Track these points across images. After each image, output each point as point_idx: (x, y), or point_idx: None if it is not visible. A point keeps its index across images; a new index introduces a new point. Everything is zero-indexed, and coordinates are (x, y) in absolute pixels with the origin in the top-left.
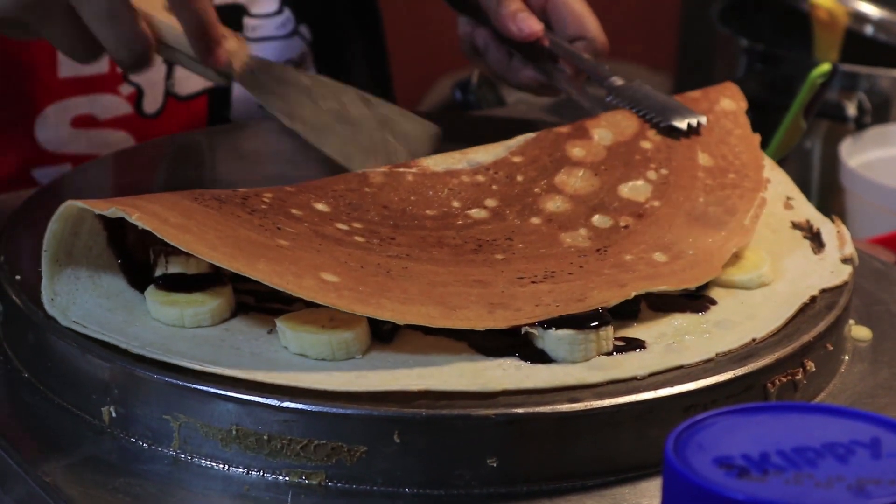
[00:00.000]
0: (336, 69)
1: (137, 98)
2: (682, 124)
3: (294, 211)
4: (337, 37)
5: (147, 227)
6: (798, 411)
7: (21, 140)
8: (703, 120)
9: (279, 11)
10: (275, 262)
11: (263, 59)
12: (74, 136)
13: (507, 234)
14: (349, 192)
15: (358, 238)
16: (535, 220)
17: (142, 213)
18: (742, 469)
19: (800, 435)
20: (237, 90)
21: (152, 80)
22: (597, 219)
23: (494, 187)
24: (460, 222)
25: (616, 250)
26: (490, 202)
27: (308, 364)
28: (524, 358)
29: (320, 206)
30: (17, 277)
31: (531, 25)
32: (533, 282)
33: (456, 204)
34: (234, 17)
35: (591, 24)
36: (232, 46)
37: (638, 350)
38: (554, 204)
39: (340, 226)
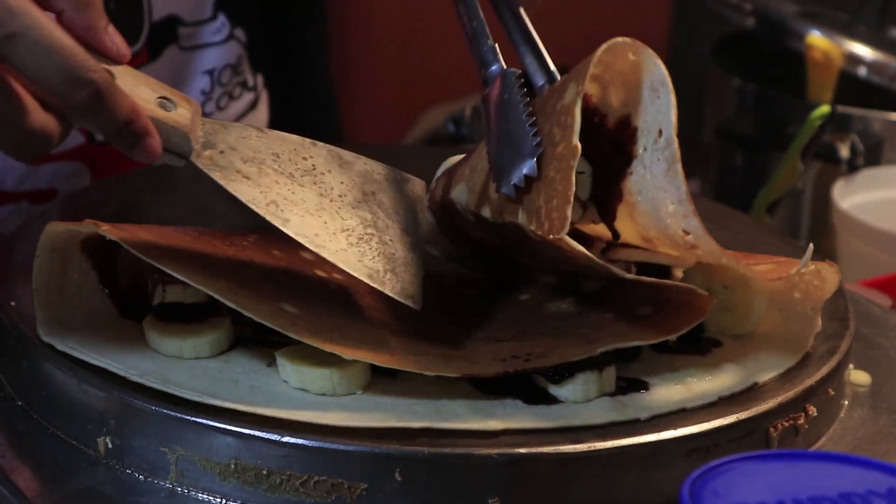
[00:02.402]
0: (273, 69)
1: None
2: (508, 189)
3: (275, 252)
4: (273, 36)
5: (113, 238)
6: (812, 459)
7: None
8: (532, 168)
9: (213, 17)
10: (237, 284)
11: (217, 123)
12: (31, 172)
13: (489, 305)
14: None
15: (333, 286)
16: (524, 297)
17: (111, 228)
18: None
19: (815, 484)
20: None
21: None
22: (588, 284)
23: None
24: (445, 293)
25: (600, 310)
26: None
27: (308, 399)
28: (527, 397)
29: (306, 255)
30: (12, 303)
31: None
32: (499, 340)
33: (447, 282)
34: (169, 29)
35: None
36: (180, 118)
37: (640, 391)
38: (546, 277)
39: (320, 273)
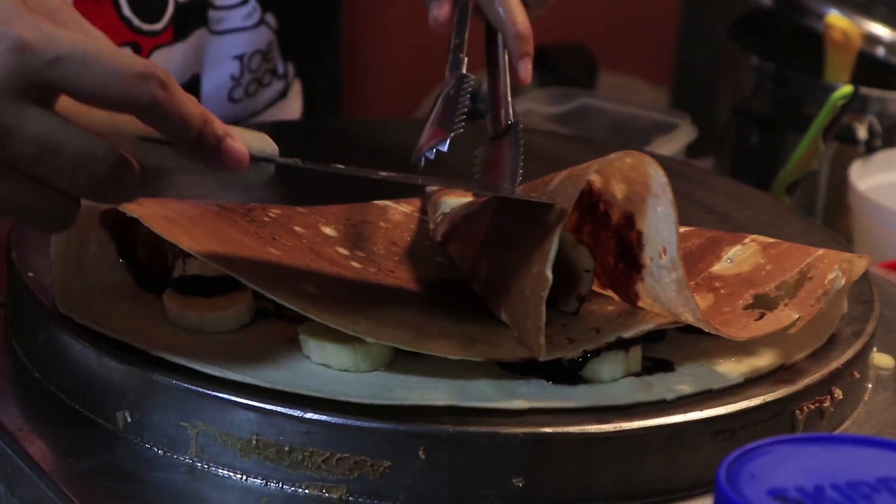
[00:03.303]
0: (304, 56)
1: None
2: (417, 160)
3: (297, 228)
4: (303, 23)
5: (134, 215)
6: (849, 443)
7: None
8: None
9: (244, 2)
10: (257, 264)
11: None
12: None
13: None
14: (364, 223)
15: (355, 264)
16: None
17: (131, 204)
18: (797, 502)
19: (854, 468)
20: (207, 85)
21: None
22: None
23: None
24: (465, 279)
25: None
26: None
27: (331, 375)
28: (552, 376)
29: (327, 230)
30: (30, 274)
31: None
32: None
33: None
34: (198, 12)
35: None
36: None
37: (666, 372)
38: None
39: (341, 250)
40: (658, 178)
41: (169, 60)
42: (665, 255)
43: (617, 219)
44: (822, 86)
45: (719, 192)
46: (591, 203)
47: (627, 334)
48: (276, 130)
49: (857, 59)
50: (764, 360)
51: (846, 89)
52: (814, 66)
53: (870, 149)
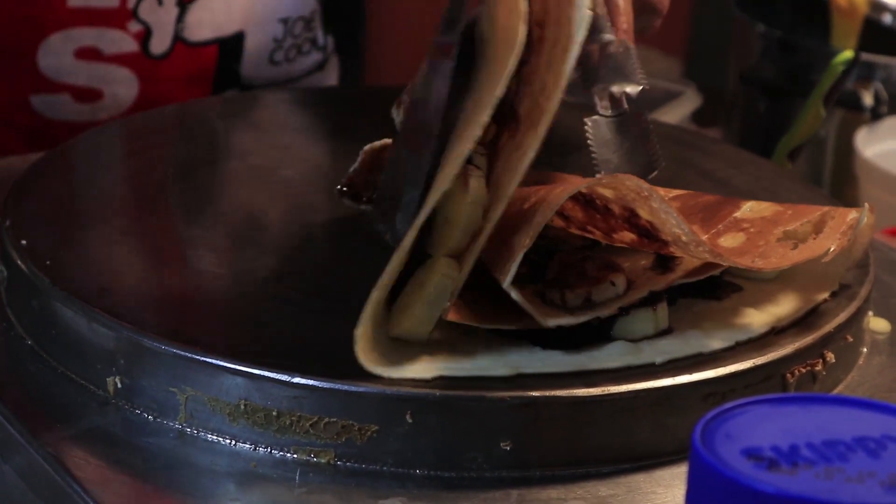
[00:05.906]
0: (347, 26)
1: (145, 37)
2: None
3: None
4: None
5: None
6: (828, 403)
7: (23, 65)
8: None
9: None
10: None
11: None
12: (77, 67)
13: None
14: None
15: None
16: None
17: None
18: (771, 461)
19: (830, 428)
20: (251, 43)
21: (162, 20)
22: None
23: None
24: None
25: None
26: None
27: None
28: (542, 341)
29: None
30: (23, 242)
31: None
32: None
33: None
34: None
35: None
36: None
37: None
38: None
39: None
40: (640, 184)
41: (215, 11)
42: (683, 235)
43: (619, 211)
44: (829, 53)
45: (719, 158)
46: (587, 199)
47: (659, 287)
48: (314, 96)
49: (863, 27)
50: (756, 323)
51: (846, 54)
52: (821, 33)
53: (876, 116)
